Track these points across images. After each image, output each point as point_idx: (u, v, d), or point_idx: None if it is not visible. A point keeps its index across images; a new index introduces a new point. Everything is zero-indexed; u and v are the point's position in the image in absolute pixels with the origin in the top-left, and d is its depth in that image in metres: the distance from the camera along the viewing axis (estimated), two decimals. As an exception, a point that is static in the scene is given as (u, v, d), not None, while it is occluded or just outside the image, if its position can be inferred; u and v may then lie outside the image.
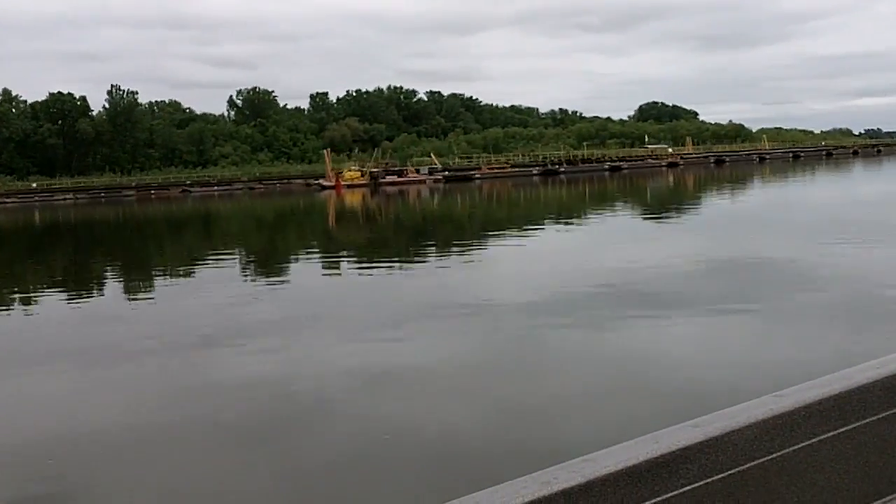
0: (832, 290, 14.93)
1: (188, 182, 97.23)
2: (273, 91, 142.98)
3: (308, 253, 29.99)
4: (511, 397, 9.19)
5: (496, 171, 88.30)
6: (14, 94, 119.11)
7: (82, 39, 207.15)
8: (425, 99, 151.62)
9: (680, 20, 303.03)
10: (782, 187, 60.41)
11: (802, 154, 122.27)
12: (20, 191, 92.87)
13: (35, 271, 27.88)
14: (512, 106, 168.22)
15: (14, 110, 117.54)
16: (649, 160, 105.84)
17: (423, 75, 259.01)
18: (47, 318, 17.10)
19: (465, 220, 42.73)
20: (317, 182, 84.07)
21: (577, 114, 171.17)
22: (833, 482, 2.64)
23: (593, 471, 2.05)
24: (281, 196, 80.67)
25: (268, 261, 27.50)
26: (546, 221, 37.25)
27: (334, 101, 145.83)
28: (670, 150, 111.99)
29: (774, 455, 2.45)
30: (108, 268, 28.30)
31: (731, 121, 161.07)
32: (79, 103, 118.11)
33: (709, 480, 2.28)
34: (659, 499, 2.18)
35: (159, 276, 24.57)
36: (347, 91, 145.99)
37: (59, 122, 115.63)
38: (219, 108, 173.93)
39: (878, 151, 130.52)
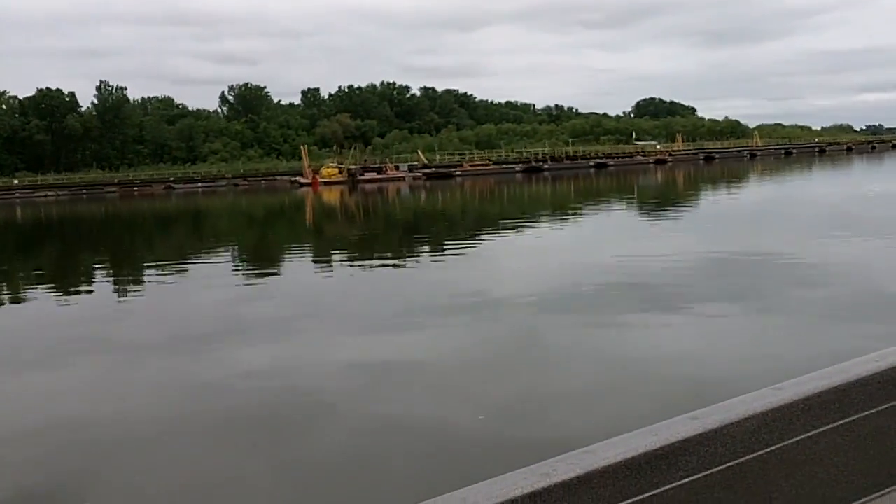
0: (821, 282, 14.89)
1: (172, 179, 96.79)
2: (265, 87, 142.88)
3: (290, 251, 29.39)
4: (511, 392, 9.20)
5: (478, 168, 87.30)
6: (2, 90, 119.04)
7: (84, 36, 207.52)
8: (419, 95, 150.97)
9: (683, 15, 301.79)
10: (763, 184, 59.69)
11: (795, 150, 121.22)
12: (1, 188, 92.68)
13: (23, 269, 27.44)
14: (507, 102, 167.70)
15: (4, 106, 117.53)
16: (638, 157, 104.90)
17: (424, 72, 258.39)
18: (37, 317, 16.77)
19: (443, 218, 42.13)
20: (295, 179, 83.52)
21: (573, 110, 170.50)
22: (832, 475, 2.64)
23: (592, 463, 2.08)
24: (263, 193, 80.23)
25: (256, 258, 27.08)
26: (528, 219, 36.35)
27: (326, 97, 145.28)
28: (658, 146, 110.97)
29: (773, 447, 2.45)
30: (99, 266, 27.72)
31: (726, 117, 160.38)
32: (67, 99, 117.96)
33: (707, 473, 2.29)
34: (658, 491, 2.18)
35: (151, 273, 24.04)
36: (340, 87, 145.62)
37: (48, 118, 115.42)
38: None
39: (873, 148, 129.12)
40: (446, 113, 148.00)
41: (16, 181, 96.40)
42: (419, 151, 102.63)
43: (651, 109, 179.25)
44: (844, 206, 33.38)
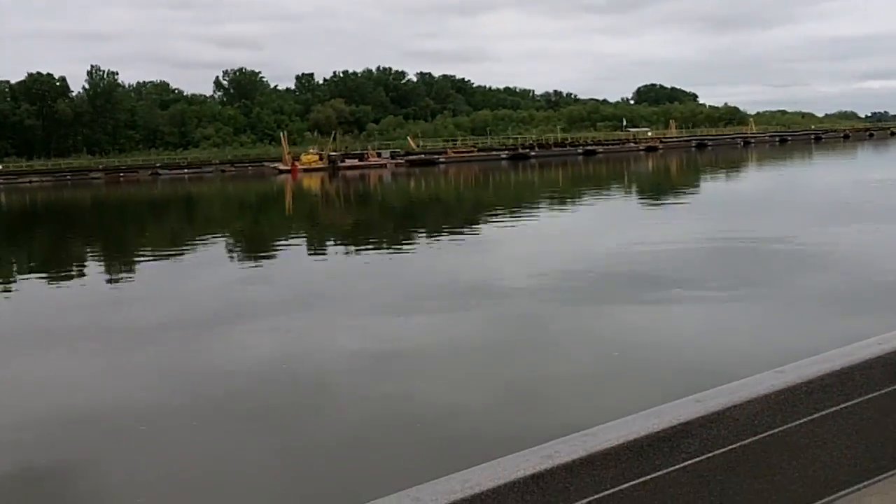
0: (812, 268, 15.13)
1: (158, 164, 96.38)
2: (260, 72, 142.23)
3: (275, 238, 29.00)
4: (514, 377, 9.18)
5: (462, 155, 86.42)
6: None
7: (84, 20, 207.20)
8: (415, 80, 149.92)
9: (687, 1, 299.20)
10: (750, 172, 58.89)
11: (790, 138, 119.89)
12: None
13: (13, 257, 27.42)
14: (506, 88, 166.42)
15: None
16: (630, 144, 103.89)
17: (426, 56, 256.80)
18: (31, 304, 16.83)
19: (420, 207, 41.63)
20: (274, 166, 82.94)
21: (572, 96, 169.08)
22: (835, 458, 2.64)
23: (595, 444, 2.09)
24: (249, 180, 79.74)
25: (248, 244, 26.96)
26: (513, 208, 35.66)
27: (321, 81, 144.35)
28: (650, 133, 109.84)
29: (776, 430, 2.45)
30: (95, 252, 27.59)
31: (726, 103, 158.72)
32: (58, 83, 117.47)
33: (710, 455, 2.30)
34: (660, 473, 2.20)
35: (144, 260, 24.03)
36: (335, 72, 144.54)
37: (38, 102, 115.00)
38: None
39: (871, 135, 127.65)
40: (442, 99, 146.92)
41: (0, 166, 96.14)
42: (409, 138, 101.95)
43: (651, 96, 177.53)
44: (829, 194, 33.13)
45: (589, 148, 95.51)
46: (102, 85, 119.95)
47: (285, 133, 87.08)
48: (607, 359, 9.76)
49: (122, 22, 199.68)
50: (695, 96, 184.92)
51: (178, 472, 7.07)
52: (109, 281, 20.06)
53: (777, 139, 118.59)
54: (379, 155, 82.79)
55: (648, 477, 2.16)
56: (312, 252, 24.16)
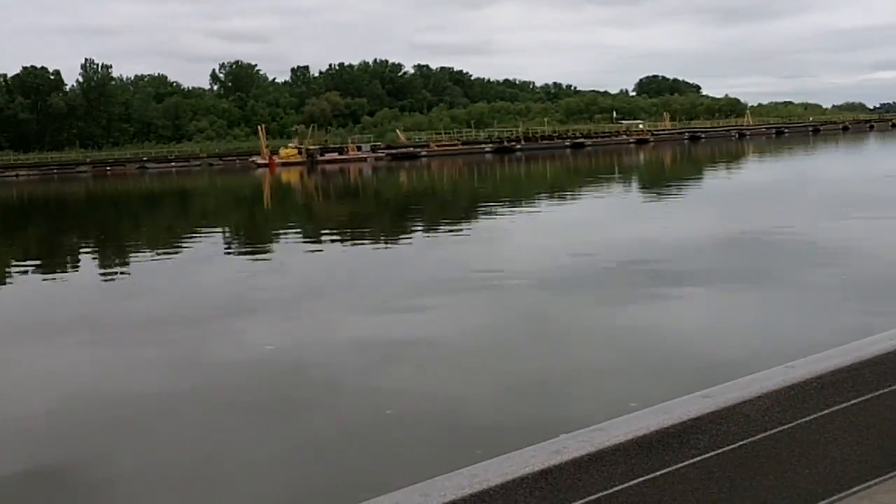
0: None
1: (145, 158, 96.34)
2: (256, 65, 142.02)
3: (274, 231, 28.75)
4: (521, 370, 9.16)
5: (445, 148, 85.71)
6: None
7: (92, 14, 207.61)
8: (412, 72, 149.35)
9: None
10: (734, 167, 58.16)
11: (787, 130, 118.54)
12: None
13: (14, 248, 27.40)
14: (505, 80, 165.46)
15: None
16: (622, 135, 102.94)
17: (432, 49, 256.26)
18: (27, 297, 16.83)
19: (383, 205, 41.23)
20: (252, 160, 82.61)
21: (572, 88, 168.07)
22: (846, 454, 2.60)
23: (603, 440, 2.09)
24: (233, 174, 79.40)
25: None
26: (496, 203, 34.98)
27: (317, 74, 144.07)
28: (641, 125, 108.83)
29: (786, 426, 2.43)
30: (95, 246, 27.29)
31: (726, 95, 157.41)
32: (52, 77, 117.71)
33: (719, 451, 2.29)
34: (669, 469, 2.20)
35: (142, 253, 23.87)
36: (330, 65, 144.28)
37: (32, 96, 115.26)
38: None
39: (871, 127, 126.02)
40: (440, 91, 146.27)
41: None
42: (397, 130, 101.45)
43: (653, 87, 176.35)
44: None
45: (577, 141, 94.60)
46: (96, 78, 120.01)
47: (262, 127, 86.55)
48: (627, 352, 9.64)
49: (130, 16, 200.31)
50: (698, 88, 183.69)
51: (185, 463, 7.15)
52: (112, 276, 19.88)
53: (773, 131, 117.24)
54: (359, 149, 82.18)
55: (657, 473, 2.14)
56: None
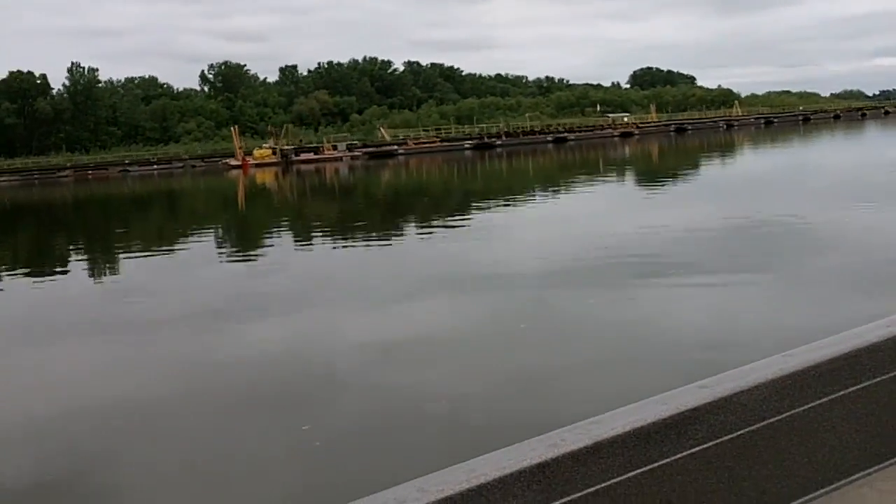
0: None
1: (127, 161, 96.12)
2: (245, 65, 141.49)
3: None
4: (522, 365, 9.18)
5: (423, 145, 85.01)
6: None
7: (94, 15, 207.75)
8: (402, 69, 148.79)
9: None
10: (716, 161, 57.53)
11: (776, 120, 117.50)
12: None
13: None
14: (497, 75, 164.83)
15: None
16: (607, 129, 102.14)
17: (433, 45, 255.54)
18: (26, 301, 16.95)
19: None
20: (225, 161, 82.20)
21: (564, 81, 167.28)
22: (845, 442, 2.60)
23: (601, 432, 2.09)
24: (216, 175, 79.02)
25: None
26: (473, 204, 34.60)
27: (305, 73, 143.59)
28: (626, 119, 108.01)
29: (784, 415, 2.43)
30: (92, 251, 27.34)
31: (720, 86, 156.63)
32: (38, 82, 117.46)
33: (718, 441, 2.29)
34: (668, 460, 2.19)
35: (136, 257, 23.62)
36: (319, 63, 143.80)
37: (19, 101, 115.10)
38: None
39: (863, 115, 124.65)
40: (430, 87, 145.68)
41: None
42: (381, 128, 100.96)
43: (647, 80, 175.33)
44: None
45: (559, 135, 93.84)
46: (83, 82, 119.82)
47: (236, 128, 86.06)
48: (633, 342, 9.66)
49: (130, 17, 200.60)
50: (693, 79, 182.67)
51: (192, 461, 7.22)
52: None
53: (762, 121, 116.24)
54: (334, 148, 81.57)
55: (656, 464, 2.13)
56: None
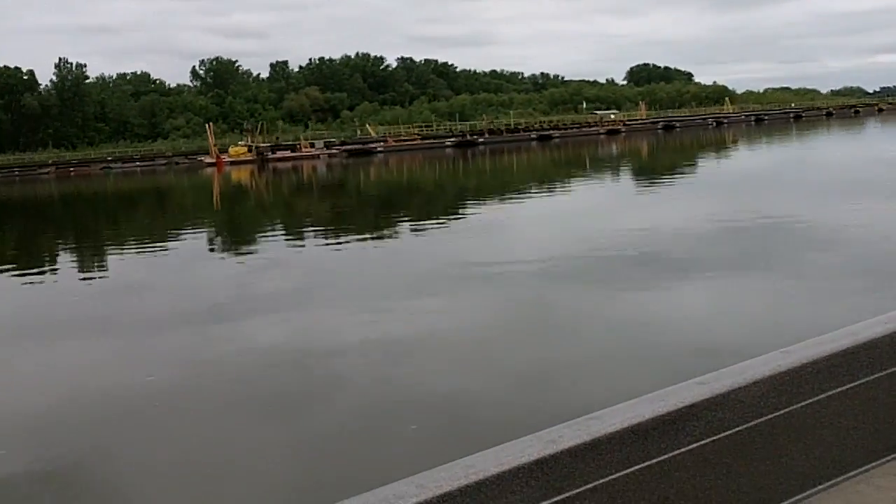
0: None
1: (109, 158, 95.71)
2: (237, 61, 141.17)
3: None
4: (522, 361, 9.17)
5: (403, 143, 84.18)
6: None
7: (92, 12, 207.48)
8: (394, 66, 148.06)
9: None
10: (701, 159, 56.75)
11: (767, 117, 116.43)
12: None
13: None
14: (492, 71, 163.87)
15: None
16: (592, 126, 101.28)
17: (432, 41, 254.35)
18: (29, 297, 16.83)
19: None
20: (200, 159, 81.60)
21: (560, 78, 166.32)
22: (842, 438, 2.59)
23: (599, 429, 2.10)
24: (185, 174, 78.66)
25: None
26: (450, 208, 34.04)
27: (296, 69, 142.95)
28: (613, 116, 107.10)
29: (782, 411, 2.43)
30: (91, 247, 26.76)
31: (714, 82, 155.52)
32: (25, 78, 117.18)
33: (715, 437, 2.30)
34: (666, 456, 2.20)
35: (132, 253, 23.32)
36: (310, 59, 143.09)
37: (6, 97, 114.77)
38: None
39: (856, 112, 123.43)
40: (422, 84, 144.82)
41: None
42: (368, 125, 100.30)
43: (644, 76, 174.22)
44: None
45: (544, 133, 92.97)
46: (70, 78, 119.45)
47: (211, 125, 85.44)
48: (641, 338, 9.60)
49: (129, 13, 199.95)
50: (690, 75, 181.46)
51: (192, 459, 7.20)
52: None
53: (753, 119, 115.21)
54: (312, 145, 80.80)
55: (653, 461, 2.13)
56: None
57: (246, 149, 78.22)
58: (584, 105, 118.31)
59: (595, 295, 12.41)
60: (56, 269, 21.36)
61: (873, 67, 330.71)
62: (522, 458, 1.91)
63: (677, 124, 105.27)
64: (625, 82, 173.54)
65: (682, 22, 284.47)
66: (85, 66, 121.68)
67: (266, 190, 51.96)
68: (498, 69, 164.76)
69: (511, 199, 32.24)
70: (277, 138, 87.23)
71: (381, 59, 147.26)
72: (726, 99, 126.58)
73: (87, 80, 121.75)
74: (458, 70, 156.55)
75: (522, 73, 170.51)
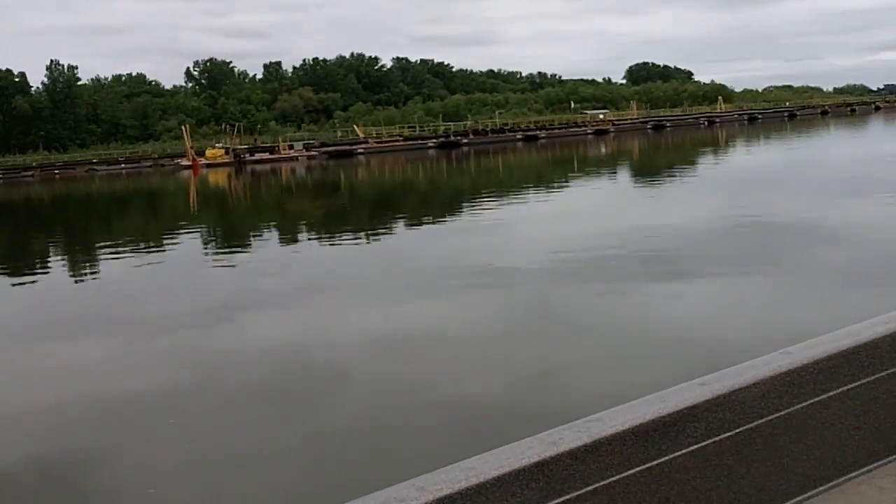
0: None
1: (94, 161, 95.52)
2: (231, 62, 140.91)
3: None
4: (525, 360, 9.22)
5: (385, 144, 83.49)
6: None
7: (95, 13, 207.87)
8: (389, 66, 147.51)
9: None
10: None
11: (760, 116, 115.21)
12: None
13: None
14: (489, 71, 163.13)
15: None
16: (581, 126, 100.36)
17: (435, 40, 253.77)
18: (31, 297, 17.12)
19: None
20: (177, 161, 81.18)
21: (557, 77, 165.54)
22: (843, 439, 2.58)
23: (600, 430, 2.10)
24: (163, 177, 78.26)
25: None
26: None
27: (290, 70, 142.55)
28: (601, 116, 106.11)
29: (783, 412, 2.42)
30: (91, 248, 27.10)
31: (713, 81, 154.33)
32: (16, 80, 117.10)
33: (716, 439, 2.29)
34: (666, 458, 2.20)
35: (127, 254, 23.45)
36: (304, 60, 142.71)
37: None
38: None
39: (852, 111, 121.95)
40: (418, 84, 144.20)
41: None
42: (356, 126, 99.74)
43: (643, 75, 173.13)
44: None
45: (530, 133, 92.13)
46: (62, 80, 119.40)
47: (187, 126, 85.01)
48: (649, 338, 9.66)
49: (133, 14, 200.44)
50: (689, 74, 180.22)
51: (197, 456, 7.25)
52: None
53: (746, 118, 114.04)
54: (291, 147, 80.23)
55: (654, 462, 2.13)
56: None
57: (223, 151, 77.75)
58: (572, 105, 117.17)
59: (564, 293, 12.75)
60: None
61: (877, 65, 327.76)
62: (523, 461, 1.89)
63: (667, 124, 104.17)
64: (623, 81, 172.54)
65: (683, 20, 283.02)
66: (76, 67, 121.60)
67: (243, 194, 51.53)
68: (495, 69, 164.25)
69: (485, 204, 31.53)
70: (256, 140, 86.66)
71: (376, 59, 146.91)
72: (719, 98, 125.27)
73: (80, 83, 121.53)
74: (454, 70, 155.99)
75: (520, 73, 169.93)
